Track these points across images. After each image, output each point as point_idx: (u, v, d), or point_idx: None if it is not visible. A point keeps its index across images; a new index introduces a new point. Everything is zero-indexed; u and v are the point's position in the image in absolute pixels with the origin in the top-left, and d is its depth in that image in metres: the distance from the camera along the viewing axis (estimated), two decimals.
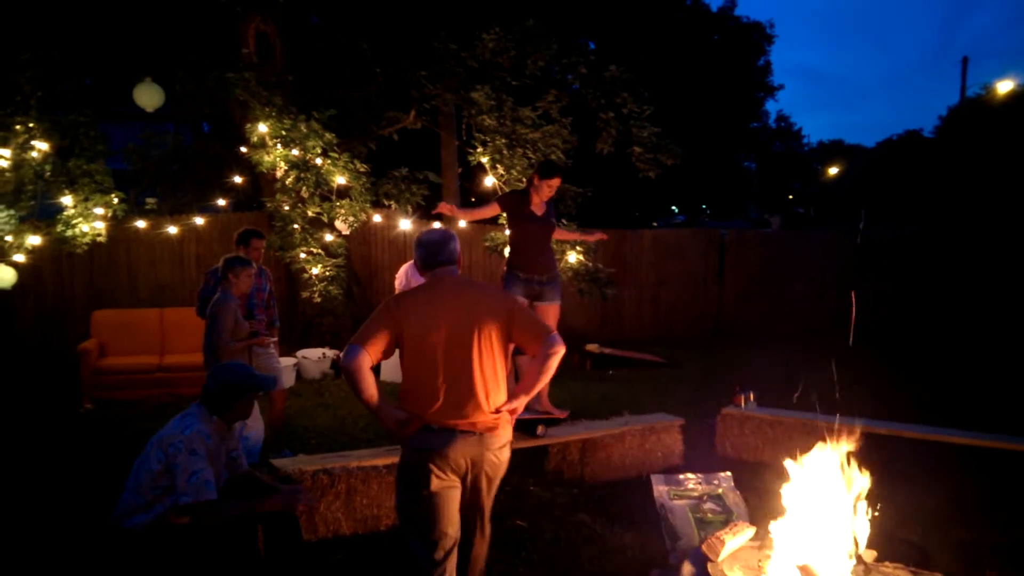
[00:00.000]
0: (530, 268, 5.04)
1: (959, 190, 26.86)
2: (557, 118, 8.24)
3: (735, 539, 3.17)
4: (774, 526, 3.08)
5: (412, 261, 6.51)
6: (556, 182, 5.05)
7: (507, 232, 7.80)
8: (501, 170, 7.89)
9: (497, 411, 2.80)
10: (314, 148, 6.36)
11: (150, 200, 9.82)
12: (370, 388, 2.67)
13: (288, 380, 7.70)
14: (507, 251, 7.57)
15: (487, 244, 7.66)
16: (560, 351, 2.84)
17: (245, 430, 4.81)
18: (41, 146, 5.85)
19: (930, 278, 12.19)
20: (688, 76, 23.05)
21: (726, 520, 3.77)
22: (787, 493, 3.14)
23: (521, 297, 4.96)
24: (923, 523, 4.28)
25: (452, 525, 2.78)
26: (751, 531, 3.28)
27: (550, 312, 5.08)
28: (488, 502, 2.95)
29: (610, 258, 11.06)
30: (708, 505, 3.90)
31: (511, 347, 3.11)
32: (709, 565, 3.08)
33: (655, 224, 31.57)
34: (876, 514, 3.18)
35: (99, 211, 6.21)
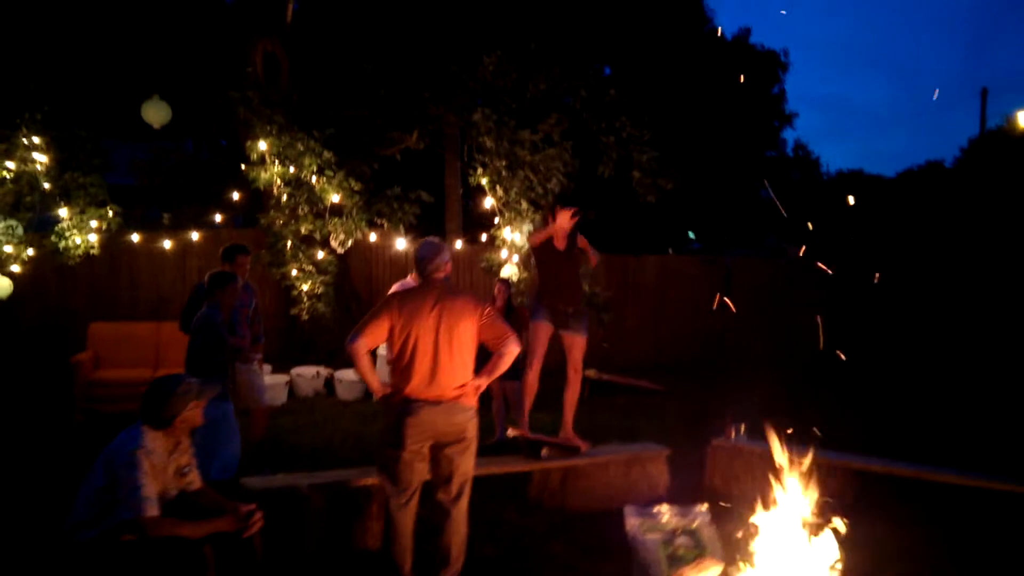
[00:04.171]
0: (554, 299, 5.27)
1: (978, 221, 26.48)
2: (558, 141, 8.24)
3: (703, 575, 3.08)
4: (719, 567, 2.99)
5: (405, 280, 6.53)
6: (569, 212, 5.09)
7: (502, 254, 7.82)
8: (500, 191, 7.91)
9: (462, 386, 3.55)
10: (310, 166, 6.39)
11: (166, 215, 9.94)
12: (367, 367, 3.50)
13: (280, 397, 7.69)
14: (504, 272, 7.54)
15: (483, 265, 7.65)
16: (512, 350, 3.61)
17: (221, 446, 4.78)
18: (41, 158, 5.94)
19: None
20: (702, 103, 23.03)
21: (698, 556, 3.66)
22: (753, 534, 3.05)
23: (547, 323, 5.27)
24: (901, 561, 4.16)
25: (416, 477, 3.57)
26: (717, 569, 3.19)
27: (576, 342, 5.32)
28: (462, 466, 3.60)
29: (614, 283, 11.02)
30: (681, 540, 3.79)
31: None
32: None
33: (670, 250, 31.44)
34: (849, 553, 3.10)
35: (94, 224, 6.27)
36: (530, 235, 5.70)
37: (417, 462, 3.56)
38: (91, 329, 7.44)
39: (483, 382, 3.65)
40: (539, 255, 5.36)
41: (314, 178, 6.47)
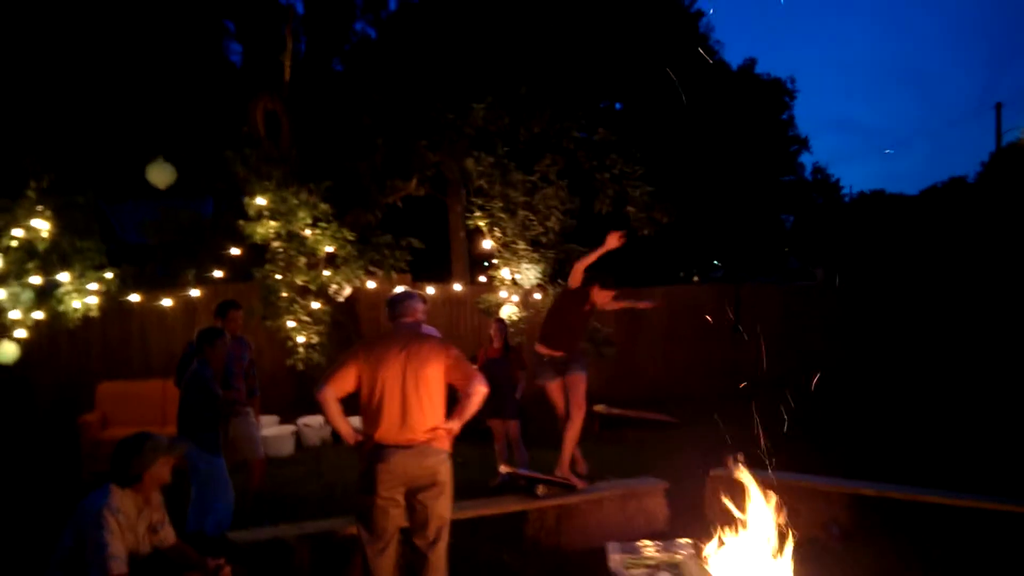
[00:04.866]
0: (549, 344, 5.63)
1: (998, 235, 26.00)
2: (554, 180, 8.34)
3: None
4: None
5: None
6: (611, 294, 5.62)
7: (501, 295, 7.87)
8: (498, 232, 8.00)
9: (433, 430, 3.55)
10: (303, 219, 6.54)
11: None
12: (336, 414, 3.54)
13: (286, 448, 7.74)
14: (503, 312, 7.59)
15: (481, 307, 7.71)
16: (480, 391, 3.62)
17: (215, 501, 4.84)
18: (41, 225, 6.17)
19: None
20: (712, 133, 23.18)
21: None
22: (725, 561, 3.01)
23: (550, 379, 5.66)
24: None
25: (391, 523, 3.58)
26: None
27: (573, 382, 5.56)
28: (436, 510, 3.59)
29: (624, 315, 10.98)
30: (663, 574, 3.75)
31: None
32: None
33: (695, 279, 31.42)
34: None
35: (93, 287, 6.47)
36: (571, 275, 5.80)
37: (392, 508, 3.57)
38: (99, 389, 7.60)
39: (455, 425, 3.67)
40: (558, 301, 5.77)
41: (308, 231, 6.62)
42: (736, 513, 3.32)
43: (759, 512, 3.21)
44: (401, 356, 3.57)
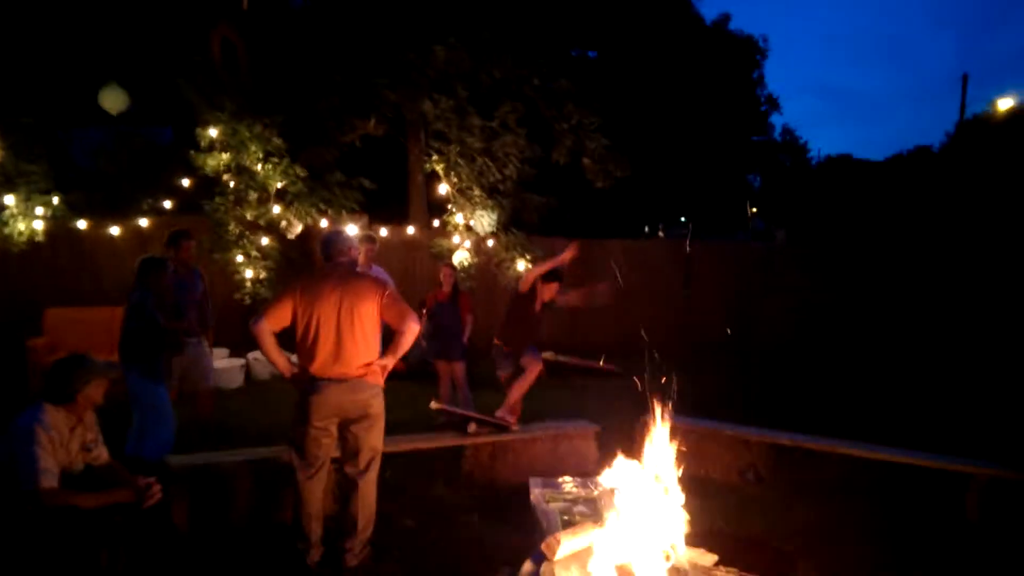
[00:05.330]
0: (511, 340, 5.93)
1: (960, 204, 26.64)
2: (513, 128, 8.36)
3: (575, 539, 3.25)
4: (601, 530, 3.17)
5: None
6: (556, 287, 5.81)
7: (454, 240, 7.96)
8: (454, 177, 8.04)
9: (367, 365, 3.70)
10: (255, 153, 6.51)
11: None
12: (271, 347, 3.67)
13: (236, 380, 7.85)
14: (455, 258, 7.70)
15: (433, 251, 7.80)
16: (412, 328, 3.76)
17: (154, 427, 4.95)
18: None
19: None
20: (684, 88, 23.13)
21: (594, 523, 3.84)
22: (618, 495, 3.23)
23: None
24: (809, 534, 4.35)
25: (323, 452, 3.76)
26: (596, 531, 3.36)
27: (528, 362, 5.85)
28: (368, 441, 3.80)
29: (578, 268, 11.14)
30: (579, 508, 3.98)
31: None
32: (544, 564, 3.17)
33: (661, 233, 31.68)
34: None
35: (40, 211, 6.40)
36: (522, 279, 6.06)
37: (323, 438, 3.74)
38: (47, 315, 7.58)
39: (389, 361, 3.82)
40: (512, 304, 6.01)
41: (260, 165, 6.59)
42: (650, 454, 3.53)
43: (663, 453, 3.43)
44: (336, 293, 3.68)
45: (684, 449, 5.68)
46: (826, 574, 3.78)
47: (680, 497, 3.27)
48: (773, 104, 31.28)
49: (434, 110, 7.53)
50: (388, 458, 5.43)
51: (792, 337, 11.32)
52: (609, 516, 3.23)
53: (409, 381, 8.49)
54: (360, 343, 3.71)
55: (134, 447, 5.01)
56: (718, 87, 23.95)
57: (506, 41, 8.33)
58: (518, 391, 5.77)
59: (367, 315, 3.74)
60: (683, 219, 38.23)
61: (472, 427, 5.24)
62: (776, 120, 50.10)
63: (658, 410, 5.93)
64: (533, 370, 5.80)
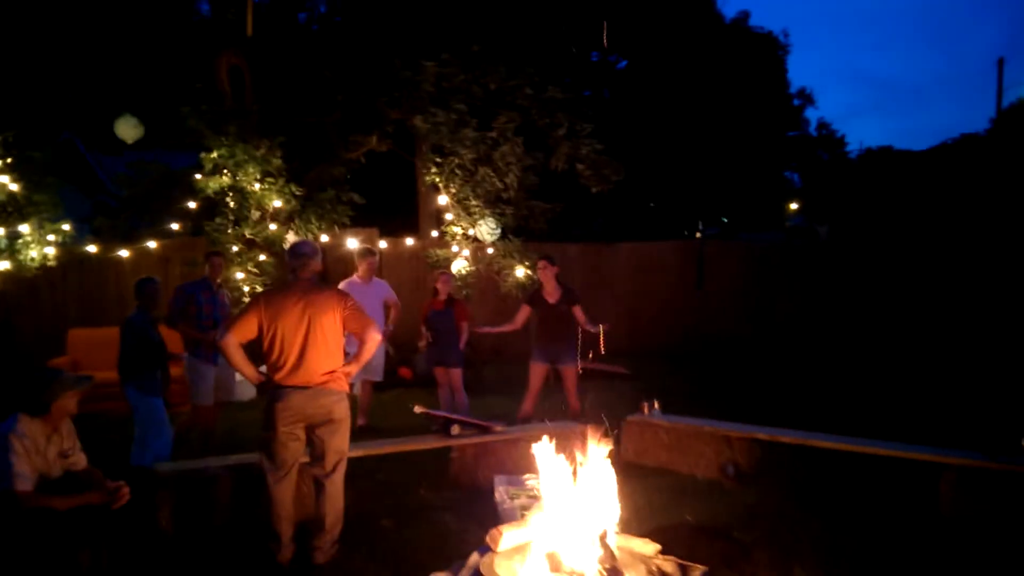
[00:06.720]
0: (542, 342, 6.47)
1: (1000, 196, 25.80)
2: (510, 138, 8.54)
3: (518, 531, 3.38)
4: (534, 517, 3.30)
5: (352, 278, 6.90)
6: (542, 264, 6.40)
7: (452, 249, 8.17)
8: (454, 189, 8.25)
9: (330, 373, 3.91)
10: (252, 174, 6.82)
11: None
12: (238, 358, 3.88)
13: (249, 392, 8.16)
14: (454, 266, 7.91)
15: (430, 261, 8.01)
16: (374, 338, 4.01)
17: (152, 439, 5.26)
18: (3, 180, 6.49)
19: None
20: (710, 89, 23.01)
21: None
22: (550, 485, 3.36)
23: (540, 363, 6.54)
24: (776, 526, 4.41)
25: (290, 455, 3.93)
26: (537, 523, 3.48)
27: (567, 373, 6.57)
28: (333, 444, 3.97)
29: (588, 271, 11.27)
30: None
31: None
32: (487, 554, 3.31)
33: (698, 235, 31.40)
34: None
35: (51, 238, 6.83)
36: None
37: (291, 442, 3.94)
38: (70, 335, 8.00)
39: (352, 368, 4.08)
40: (534, 310, 6.50)
41: (257, 185, 6.91)
42: (591, 448, 3.63)
43: (602, 446, 3.54)
44: (299, 305, 3.89)
45: (668, 444, 5.85)
46: (778, 562, 3.84)
47: (614, 487, 3.37)
48: (806, 99, 30.85)
49: (425, 124, 7.75)
50: (379, 460, 5.69)
51: (808, 336, 11.22)
52: (546, 508, 3.35)
53: (416, 388, 8.72)
54: (323, 352, 3.91)
55: (137, 458, 5.31)
56: (744, 86, 23.76)
57: (497, 53, 8.53)
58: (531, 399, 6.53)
59: (329, 326, 3.93)
60: (724, 219, 37.84)
61: (455, 429, 5.40)
62: (811, 114, 49.38)
63: (648, 411, 6.08)
64: (573, 405, 6.59)
